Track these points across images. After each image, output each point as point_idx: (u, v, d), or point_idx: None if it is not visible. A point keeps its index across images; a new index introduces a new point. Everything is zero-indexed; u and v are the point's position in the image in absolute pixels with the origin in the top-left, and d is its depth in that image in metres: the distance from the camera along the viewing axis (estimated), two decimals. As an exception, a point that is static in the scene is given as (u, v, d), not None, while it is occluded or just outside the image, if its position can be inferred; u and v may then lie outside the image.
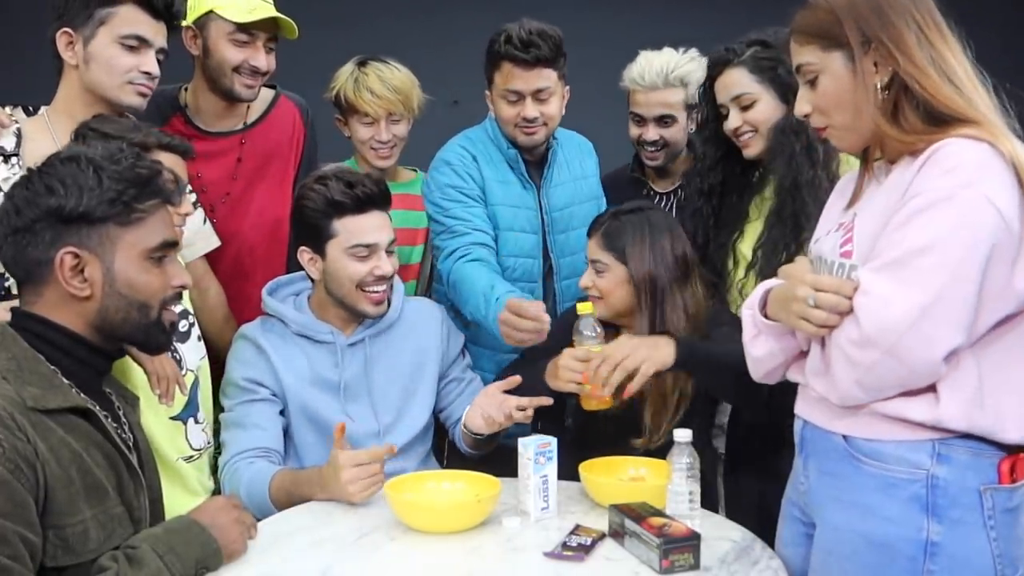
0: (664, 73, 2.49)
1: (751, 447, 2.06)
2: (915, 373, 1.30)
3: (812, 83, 1.45)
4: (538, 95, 2.26)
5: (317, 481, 1.81)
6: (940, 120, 1.35)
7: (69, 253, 1.29)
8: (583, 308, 1.94)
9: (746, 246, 2.14)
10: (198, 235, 2.13)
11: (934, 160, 1.31)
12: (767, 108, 2.07)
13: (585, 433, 2.05)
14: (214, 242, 2.21)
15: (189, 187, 2.06)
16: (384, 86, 2.38)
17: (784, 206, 2.01)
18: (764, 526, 1.69)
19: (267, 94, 2.38)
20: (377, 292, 2.01)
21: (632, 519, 1.57)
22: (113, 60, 1.91)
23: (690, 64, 2.51)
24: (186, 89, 2.33)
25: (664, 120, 2.52)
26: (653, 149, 2.55)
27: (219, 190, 2.31)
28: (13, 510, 1.16)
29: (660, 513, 1.60)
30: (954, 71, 1.37)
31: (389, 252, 2.03)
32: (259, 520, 1.71)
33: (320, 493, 1.81)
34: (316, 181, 2.01)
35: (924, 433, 1.34)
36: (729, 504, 2.14)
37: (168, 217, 1.40)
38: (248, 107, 2.33)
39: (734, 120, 2.10)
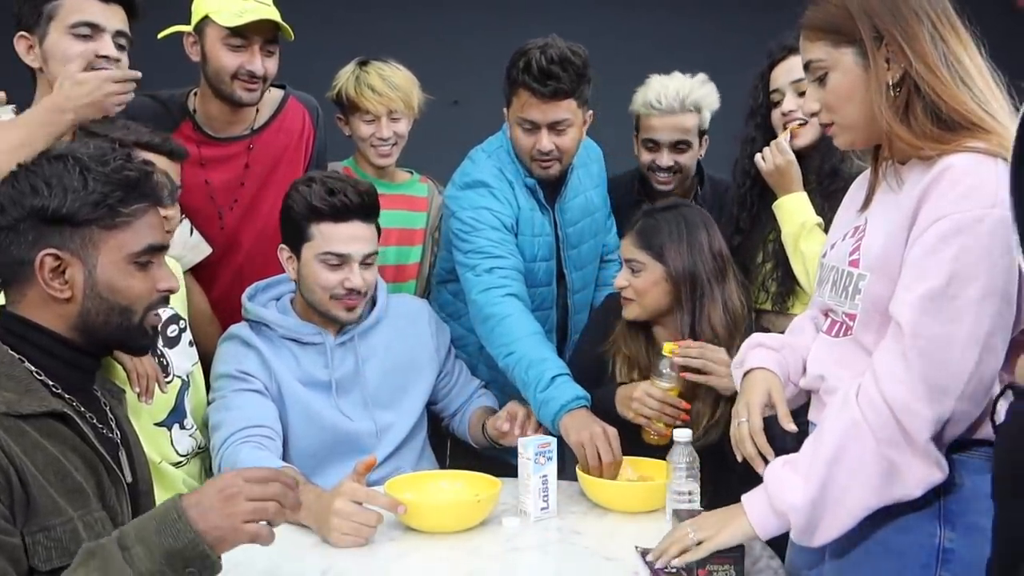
0: (680, 97, 2.42)
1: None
2: (979, 408, 1.26)
3: (821, 80, 1.42)
4: (555, 127, 2.12)
5: (312, 504, 1.65)
6: (950, 125, 1.32)
7: (50, 255, 1.27)
8: (668, 348, 1.91)
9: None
10: (186, 247, 2.12)
11: (949, 179, 1.27)
12: None
13: None
14: (204, 250, 2.20)
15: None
16: (385, 84, 2.40)
17: (812, 196, 2.04)
18: None
19: (276, 95, 2.36)
20: (349, 302, 1.97)
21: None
22: (67, 52, 1.86)
23: (704, 88, 2.47)
24: (195, 94, 2.31)
25: (679, 145, 2.45)
26: (666, 175, 2.48)
27: (227, 196, 2.29)
28: None
29: None
30: (967, 71, 1.34)
31: (366, 264, 1.98)
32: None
33: (307, 519, 1.66)
34: (303, 182, 2.00)
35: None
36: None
37: (156, 220, 1.36)
38: (256, 111, 2.30)
39: (788, 103, 2.11)
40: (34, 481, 1.19)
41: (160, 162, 1.79)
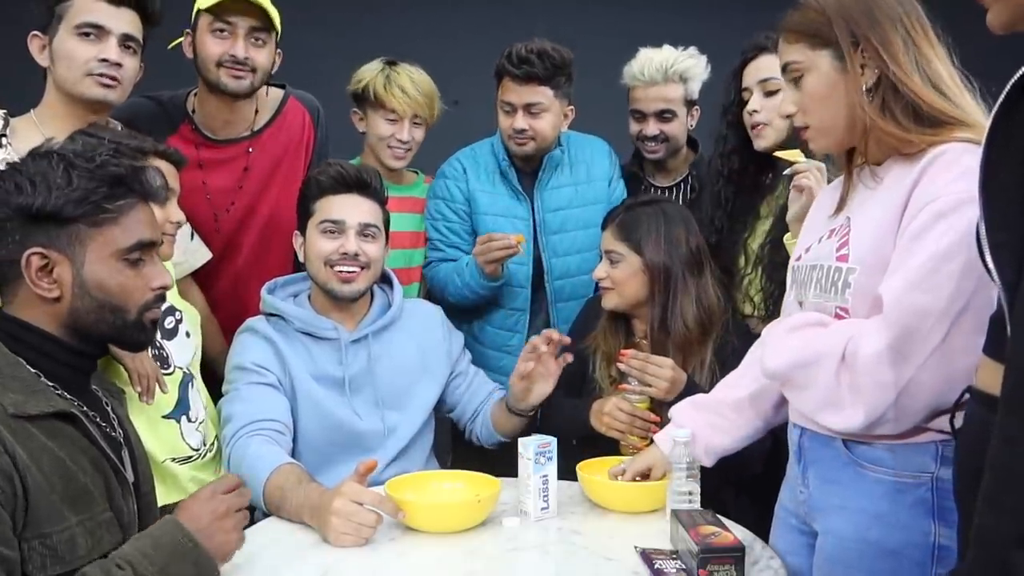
0: (663, 68, 2.50)
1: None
2: (950, 386, 1.27)
3: (797, 82, 1.46)
4: (529, 109, 2.37)
5: (314, 503, 1.66)
6: (931, 122, 1.35)
7: (36, 254, 1.25)
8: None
9: (756, 243, 2.15)
10: (186, 252, 2.13)
11: (940, 164, 1.31)
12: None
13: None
14: (204, 255, 2.20)
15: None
16: (415, 87, 2.43)
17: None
18: (758, 528, 1.69)
19: (276, 96, 2.36)
20: (345, 271, 2.00)
21: (684, 526, 1.53)
22: (72, 52, 1.89)
23: (689, 60, 2.52)
24: (195, 95, 2.31)
25: (664, 115, 2.53)
26: (653, 143, 2.56)
27: (224, 199, 2.29)
28: None
29: (717, 522, 1.55)
30: (940, 76, 1.38)
31: (366, 236, 2.02)
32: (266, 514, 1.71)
33: (308, 518, 1.67)
34: (314, 169, 2.09)
35: (926, 435, 1.34)
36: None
37: (146, 216, 1.34)
38: (256, 112, 2.30)
39: (754, 103, 2.13)
40: (36, 488, 1.18)
41: (165, 169, 1.80)
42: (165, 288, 1.37)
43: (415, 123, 2.45)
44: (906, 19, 1.39)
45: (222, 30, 2.15)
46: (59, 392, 1.28)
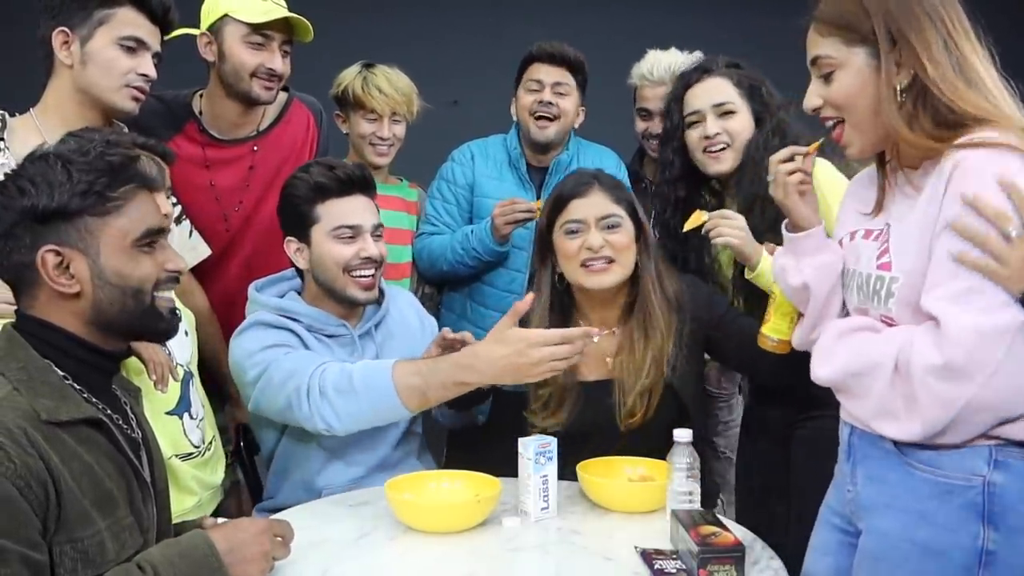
0: (672, 70, 2.57)
1: (760, 444, 2.07)
2: (1017, 395, 1.25)
3: (827, 77, 1.40)
4: (556, 87, 2.54)
5: (469, 363, 1.74)
6: (955, 124, 1.30)
7: (50, 252, 1.27)
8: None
9: (728, 271, 2.13)
10: (184, 249, 2.12)
11: (961, 176, 1.26)
12: (744, 121, 2.08)
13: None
14: (202, 252, 2.21)
15: (174, 199, 2.05)
16: (391, 86, 2.51)
17: (751, 219, 1.97)
18: (771, 520, 1.68)
19: (280, 97, 2.38)
20: (365, 276, 2.00)
21: (684, 526, 1.53)
22: (112, 61, 1.90)
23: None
24: (200, 95, 2.31)
25: None
26: (657, 143, 2.56)
27: (232, 199, 2.31)
28: (16, 529, 1.14)
29: (716, 522, 1.54)
30: (978, 73, 1.33)
31: (376, 236, 2.02)
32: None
33: (473, 375, 1.75)
34: (300, 171, 2.04)
35: (981, 439, 1.30)
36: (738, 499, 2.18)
37: (150, 204, 1.36)
38: (263, 112, 2.32)
39: (712, 126, 2.08)
40: (68, 492, 1.20)
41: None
42: (179, 271, 1.39)
43: (395, 120, 2.54)
44: (946, 16, 1.34)
45: (260, 44, 2.19)
46: (85, 395, 1.30)
